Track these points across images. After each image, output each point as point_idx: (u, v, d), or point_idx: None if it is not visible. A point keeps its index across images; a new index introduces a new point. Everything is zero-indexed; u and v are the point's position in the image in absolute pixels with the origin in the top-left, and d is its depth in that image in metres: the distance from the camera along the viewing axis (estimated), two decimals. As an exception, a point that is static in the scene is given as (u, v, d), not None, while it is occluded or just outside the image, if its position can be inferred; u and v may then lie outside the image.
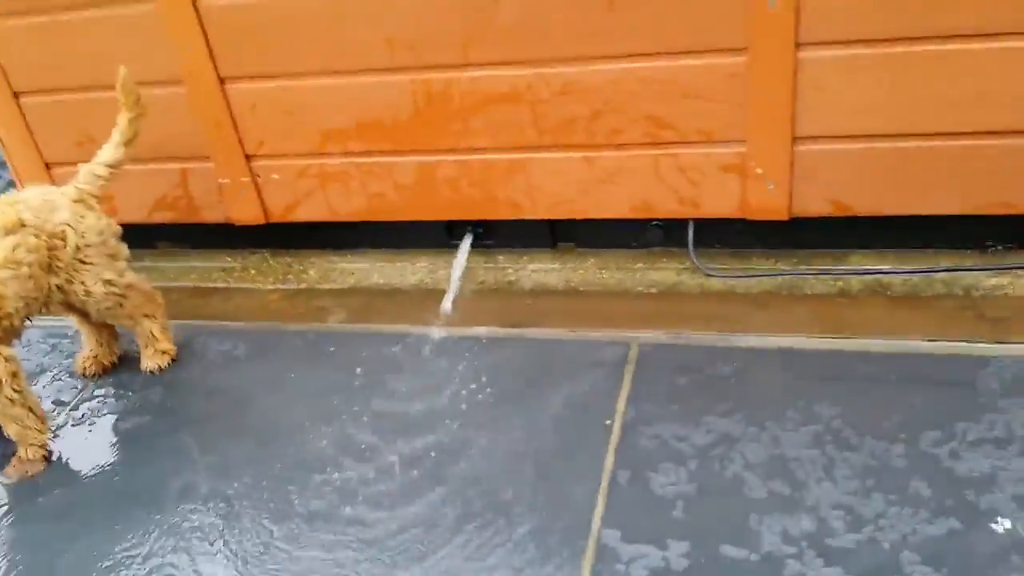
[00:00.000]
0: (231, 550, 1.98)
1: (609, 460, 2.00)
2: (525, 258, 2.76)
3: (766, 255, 2.56)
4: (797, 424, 2.01)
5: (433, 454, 2.12)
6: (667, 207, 2.48)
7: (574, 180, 2.50)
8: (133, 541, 2.04)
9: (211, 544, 2.01)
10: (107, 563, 2.00)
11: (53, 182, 2.90)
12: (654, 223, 2.58)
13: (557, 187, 2.53)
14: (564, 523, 1.89)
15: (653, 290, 2.54)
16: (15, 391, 2.23)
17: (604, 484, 1.95)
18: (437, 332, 2.50)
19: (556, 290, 2.62)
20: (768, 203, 2.37)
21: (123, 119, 2.42)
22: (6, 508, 2.21)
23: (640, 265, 2.64)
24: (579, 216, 2.57)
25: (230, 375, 2.49)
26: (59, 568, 2.02)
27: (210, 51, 2.55)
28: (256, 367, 2.50)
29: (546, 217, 2.61)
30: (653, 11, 2.21)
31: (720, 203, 2.43)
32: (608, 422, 2.10)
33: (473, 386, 2.29)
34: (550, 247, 2.76)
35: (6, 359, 2.21)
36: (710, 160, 2.37)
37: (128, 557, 2.01)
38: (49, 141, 2.90)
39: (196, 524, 2.06)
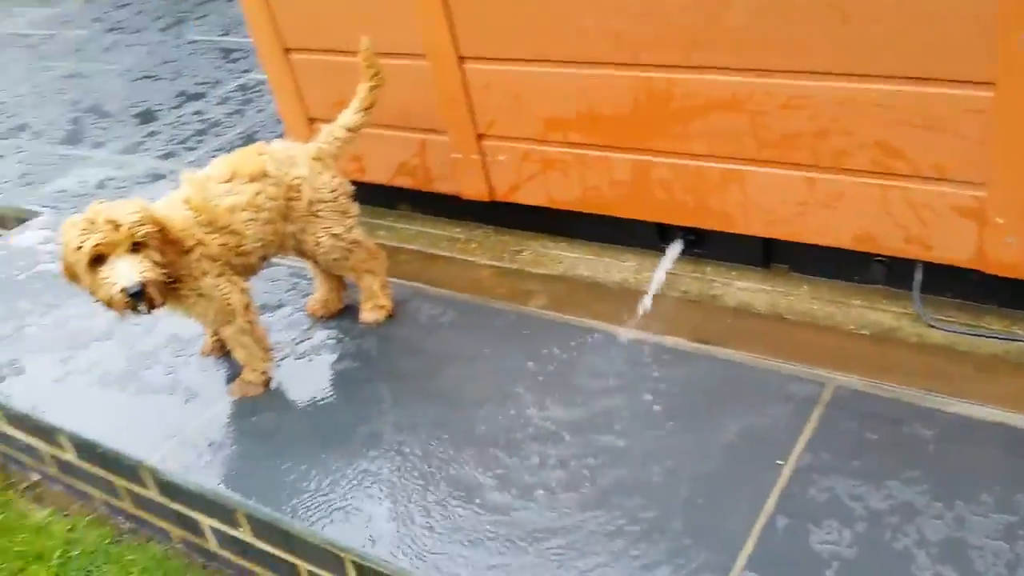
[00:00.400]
0: (396, 500, 2.12)
1: (771, 502, 1.92)
2: (734, 273, 2.68)
3: (1001, 315, 2.31)
4: (989, 510, 1.82)
5: (596, 454, 2.14)
6: (892, 244, 2.30)
7: (792, 199, 2.38)
8: (316, 471, 2.25)
9: (381, 490, 2.16)
10: (290, 485, 2.22)
11: (311, 138, 3.17)
12: (878, 258, 2.40)
13: (773, 204, 2.42)
14: (708, 554, 1.85)
15: (865, 331, 2.38)
16: (247, 322, 2.48)
17: (759, 525, 1.88)
18: (629, 334, 2.49)
19: (760, 312, 2.52)
20: (1008, 258, 2.13)
21: (363, 88, 2.59)
22: (226, 421, 2.48)
23: (857, 301, 2.48)
24: (794, 238, 2.45)
25: (434, 339, 2.63)
26: (255, 482, 2.27)
27: (452, 27, 2.65)
28: (457, 336, 2.62)
29: (759, 234, 2.51)
30: (892, 29, 2.03)
31: (953, 249, 2.22)
32: (780, 462, 2.01)
33: (651, 395, 2.28)
34: (762, 266, 2.65)
35: (242, 291, 2.46)
36: (944, 200, 2.17)
37: (308, 484, 2.22)
38: (313, 97, 3.15)
39: (372, 470, 2.22)
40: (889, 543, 1.79)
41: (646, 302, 2.60)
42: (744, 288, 2.62)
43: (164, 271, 2.22)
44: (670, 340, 2.44)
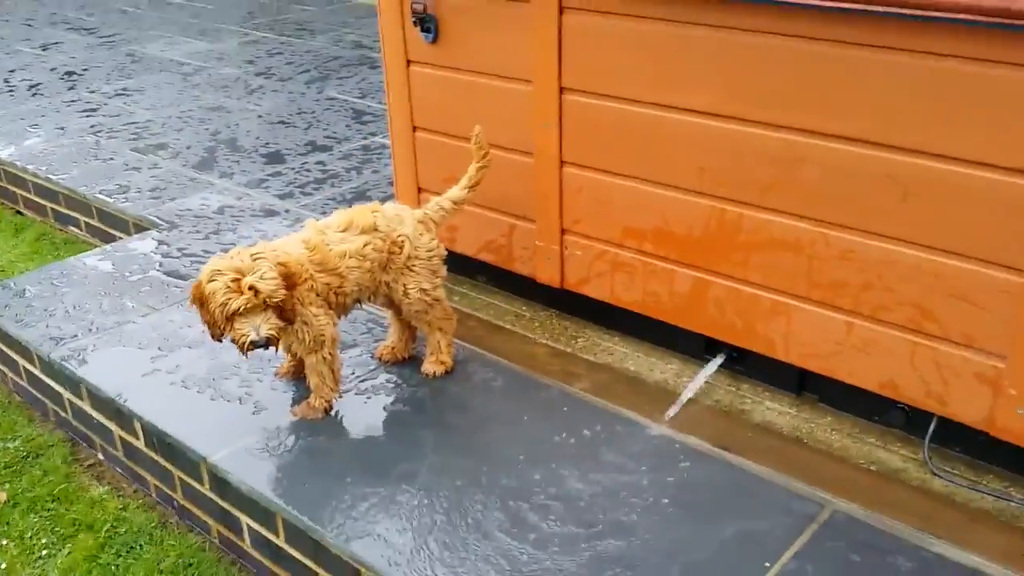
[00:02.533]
0: (417, 532, 2.35)
1: (751, 598, 2.10)
2: (766, 394, 2.88)
3: (1001, 476, 2.46)
4: (949, 645, 1.96)
5: (603, 525, 2.35)
6: (913, 395, 2.49)
7: (831, 338, 2.59)
8: (353, 494, 2.48)
9: (406, 521, 2.39)
10: (328, 502, 2.47)
11: (419, 204, 3.51)
12: (900, 405, 2.58)
13: (813, 339, 2.63)
14: (683, 633, 2.02)
15: (873, 467, 2.55)
16: (330, 354, 2.77)
17: (735, 616, 2.05)
18: (657, 428, 2.71)
19: (780, 432, 2.72)
20: (1016, 427, 2.30)
21: (472, 168, 2.93)
22: (285, 436, 2.75)
23: (872, 439, 2.65)
24: (827, 373, 2.66)
25: (481, 400, 2.89)
26: (298, 493, 2.51)
27: (560, 136, 2.98)
28: (503, 401, 2.87)
29: (796, 364, 2.72)
30: (943, 212, 2.28)
31: (967, 410, 2.39)
32: (767, 564, 2.18)
33: (663, 485, 2.48)
34: (794, 392, 2.85)
35: (334, 325, 2.76)
36: (967, 365, 2.36)
37: (344, 504, 2.45)
38: (426, 171, 3.50)
39: (403, 502, 2.45)
40: (848, 656, 1.94)
41: (679, 404, 2.81)
42: (772, 408, 2.82)
43: (283, 318, 2.56)
44: (693, 440, 2.65)
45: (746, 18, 2.44)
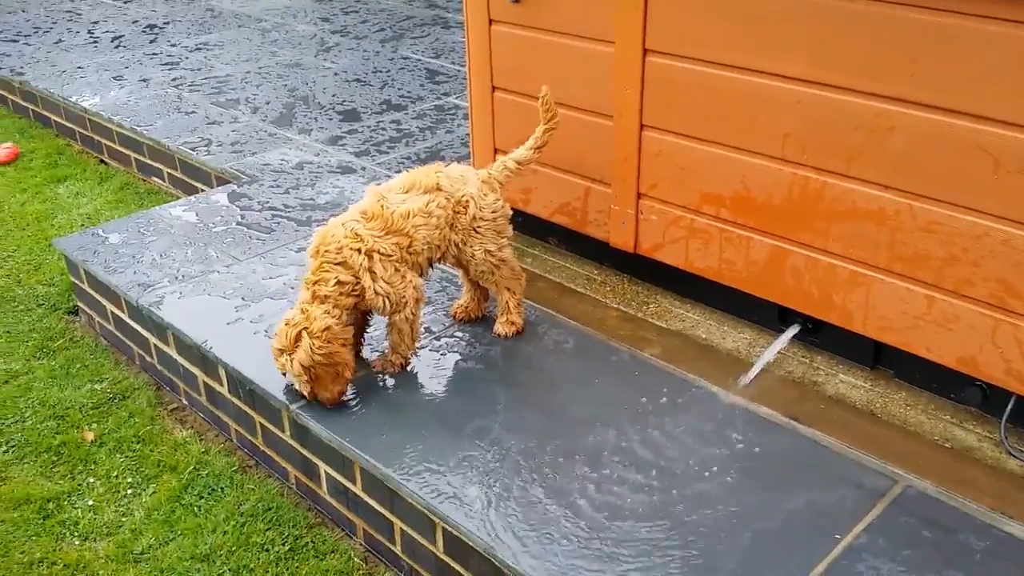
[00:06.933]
0: (491, 486, 2.41)
1: (820, 567, 2.12)
2: (841, 367, 2.87)
3: (1082, 459, 2.43)
4: (1019, 624, 1.96)
5: (674, 490, 2.38)
6: (993, 373, 2.45)
7: (910, 312, 2.57)
8: (429, 447, 2.55)
9: (480, 475, 2.45)
10: (405, 453, 2.54)
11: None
12: (977, 383, 2.55)
13: (892, 312, 2.61)
14: (751, 598, 2.05)
15: (948, 444, 2.53)
16: (413, 313, 2.81)
17: (804, 584, 2.08)
18: (727, 397, 2.72)
19: (854, 406, 2.71)
20: (1098, 408, 2.26)
21: (539, 129, 2.95)
22: (364, 388, 2.81)
23: (947, 416, 2.63)
24: (905, 348, 2.63)
25: (553, 360, 2.93)
26: (376, 443, 2.59)
27: (641, 99, 2.97)
28: (574, 362, 2.91)
29: (873, 337, 2.69)
30: (1038, 183, 2.23)
31: (1048, 389, 2.36)
32: (838, 536, 2.20)
33: (734, 451, 2.50)
34: (869, 366, 2.83)
35: (415, 287, 2.79)
36: (1050, 343, 2.32)
37: (420, 456, 2.52)
38: (503, 132, 3.52)
39: (476, 456, 2.52)
40: (917, 629, 1.96)
41: (751, 373, 2.82)
42: (846, 381, 2.81)
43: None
44: (764, 410, 2.66)
45: (839, -16, 2.40)
